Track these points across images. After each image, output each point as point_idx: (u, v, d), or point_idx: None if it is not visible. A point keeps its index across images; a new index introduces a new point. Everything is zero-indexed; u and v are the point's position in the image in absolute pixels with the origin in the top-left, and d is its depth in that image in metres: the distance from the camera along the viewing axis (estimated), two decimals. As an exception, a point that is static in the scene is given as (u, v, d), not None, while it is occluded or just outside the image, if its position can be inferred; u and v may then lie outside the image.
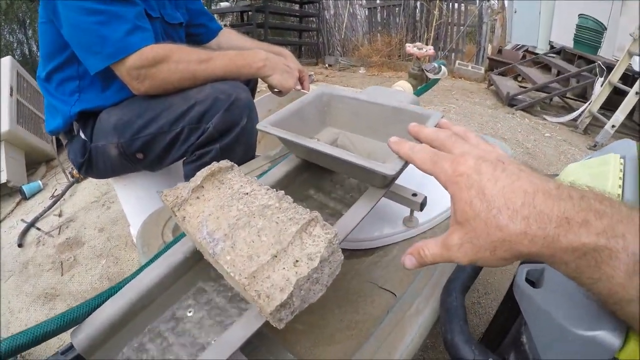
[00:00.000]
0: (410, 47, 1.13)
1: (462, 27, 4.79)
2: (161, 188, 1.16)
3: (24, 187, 2.43)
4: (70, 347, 0.82)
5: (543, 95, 3.38)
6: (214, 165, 0.53)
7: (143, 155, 1.00)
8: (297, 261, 0.39)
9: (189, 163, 0.99)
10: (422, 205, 0.67)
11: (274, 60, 1.05)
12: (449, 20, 4.90)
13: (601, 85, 2.83)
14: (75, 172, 2.37)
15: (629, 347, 0.32)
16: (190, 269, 0.53)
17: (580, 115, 2.88)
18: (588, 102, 2.87)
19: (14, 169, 2.52)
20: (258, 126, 0.63)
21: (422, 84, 1.13)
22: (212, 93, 0.92)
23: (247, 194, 0.48)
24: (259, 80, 1.28)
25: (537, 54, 4.96)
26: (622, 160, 0.56)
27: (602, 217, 0.30)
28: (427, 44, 3.79)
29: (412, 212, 0.73)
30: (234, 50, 1.03)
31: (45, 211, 2.14)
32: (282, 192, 0.47)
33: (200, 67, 0.95)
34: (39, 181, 2.53)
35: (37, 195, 2.44)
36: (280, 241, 0.41)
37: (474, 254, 0.37)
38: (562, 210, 0.31)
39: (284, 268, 0.39)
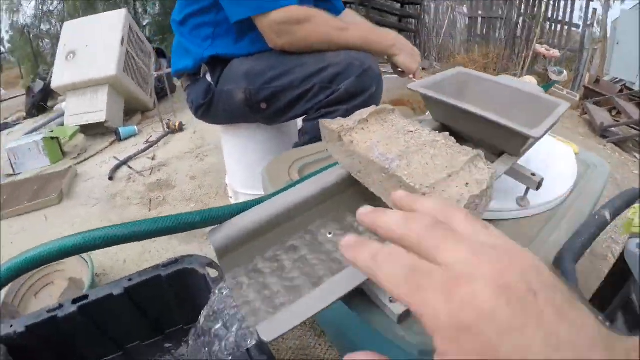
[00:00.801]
0: (539, 47, 1.14)
1: (562, 51, 4.61)
2: (272, 144, 1.25)
3: (120, 129, 2.63)
4: (173, 262, 0.90)
5: (638, 132, 3.20)
6: (378, 106, 0.58)
7: (267, 105, 1.07)
8: (467, 183, 0.43)
9: (311, 119, 1.05)
10: (539, 185, 0.69)
11: (402, 42, 1.10)
12: (550, 42, 4.72)
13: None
14: (171, 123, 2.54)
15: None
16: (337, 195, 0.58)
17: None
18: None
19: (113, 111, 2.74)
20: (410, 86, 0.68)
21: (544, 83, 1.13)
22: (347, 59, 0.98)
23: (412, 131, 0.53)
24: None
25: (634, 90, 4.68)
26: None
27: None
28: (525, 63, 3.70)
29: (526, 192, 0.75)
30: (368, 25, 1.09)
31: (139, 153, 2.30)
32: (447, 132, 0.52)
33: (338, 34, 1.01)
34: (135, 126, 2.72)
35: (131, 139, 2.63)
36: (453, 165, 0.45)
37: None
38: None
39: (456, 187, 0.43)
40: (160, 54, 3.50)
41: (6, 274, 0.45)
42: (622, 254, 0.69)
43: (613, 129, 3.19)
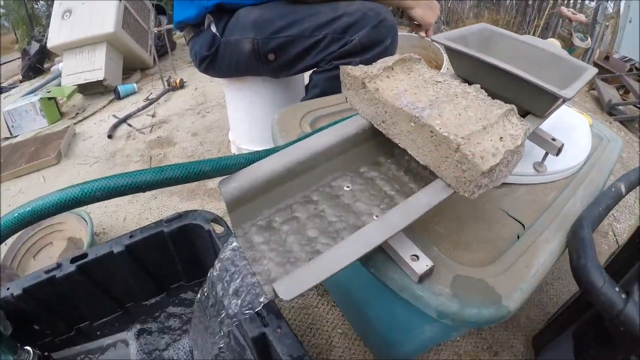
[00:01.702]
0: (565, 9, 1.10)
1: (574, 23, 4.48)
2: (278, 99, 1.21)
3: (119, 87, 2.57)
4: (176, 217, 0.87)
5: (644, 113, 3.17)
6: (404, 55, 0.54)
7: (275, 56, 1.02)
8: (501, 138, 0.41)
9: (321, 72, 1.01)
10: (559, 151, 0.68)
11: None
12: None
13: None
14: (172, 80, 2.48)
15: None
16: (356, 146, 0.55)
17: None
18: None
19: (112, 69, 2.67)
20: (435, 37, 0.64)
21: (567, 48, 1.10)
22: (362, 8, 0.93)
23: (440, 82, 0.50)
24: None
25: (644, 70, 4.62)
26: None
27: None
28: (534, 32, 3.60)
29: (544, 158, 0.73)
30: None
31: (139, 110, 2.25)
32: (478, 85, 0.49)
33: None
34: (134, 84, 2.66)
35: (131, 97, 2.57)
36: (487, 118, 0.42)
37: None
38: None
39: (491, 140, 0.40)
40: (159, 10, 3.39)
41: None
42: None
43: (620, 107, 3.15)
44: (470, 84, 0.68)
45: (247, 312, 0.44)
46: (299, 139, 0.55)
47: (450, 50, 0.63)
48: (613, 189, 0.69)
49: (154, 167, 0.46)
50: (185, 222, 0.86)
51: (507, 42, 0.75)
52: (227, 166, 0.50)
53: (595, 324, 0.69)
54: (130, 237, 0.84)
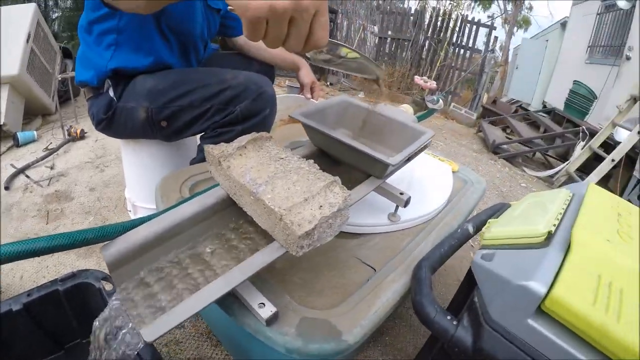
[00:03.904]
0: (418, 79, 1.30)
1: (463, 73, 5.01)
2: (170, 159, 1.29)
3: (18, 134, 2.44)
4: (70, 277, 0.89)
5: (526, 149, 3.60)
6: (257, 134, 0.65)
7: (167, 123, 1.09)
8: (321, 206, 0.52)
9: (207, 138, 1.10)
10: (407, 203, 0.81)
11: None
12: (452, 64, 5.14)
13: (582, 149, 3.04)
14: (72, 130, 2.42)
15: (551, 296, 0.46)
16: (218, 212, 0.64)
17: (557, 172, 3.06)
18: (567, 162, 3.06)
19: (12, 114, 2.53)
20: (292, 114, 0.76)
21: (421, 111, 1.29)
22: (245, 82, 1.04)
23: (283, 158, 0.61)
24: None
25: (529, 110, 5.27)
26: (570, 195, 0.71)
27: None
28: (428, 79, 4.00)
29: (396, 209, 0.86)
30: None
31: (37, 161, 2.15)
32: (312, 160, 0.60)
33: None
34: (34, 131, 2.55)
35: (30, 145, 2.45)
36: (310, 190, 0.53)
37: None
38: None
39: (311, 209, 0.51)
40: (66, 54, 3.31)
41: None
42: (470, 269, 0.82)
43: (504, 145, 3.57)
44: (323, 153, 0.81)
45: (130, 352, 0.51)
46: (170, 208, 0.63)
47: (304, 125, 0.75)
48: (459, 230, 0.81)
49: (45, 235, 0.54)
50: (78, 280, 0.88)
51: (361, 112, 0.89)
52: (108, 233, 0.59)
53: (441, 353, 0.81)
54: (28, 295, 0.85)
